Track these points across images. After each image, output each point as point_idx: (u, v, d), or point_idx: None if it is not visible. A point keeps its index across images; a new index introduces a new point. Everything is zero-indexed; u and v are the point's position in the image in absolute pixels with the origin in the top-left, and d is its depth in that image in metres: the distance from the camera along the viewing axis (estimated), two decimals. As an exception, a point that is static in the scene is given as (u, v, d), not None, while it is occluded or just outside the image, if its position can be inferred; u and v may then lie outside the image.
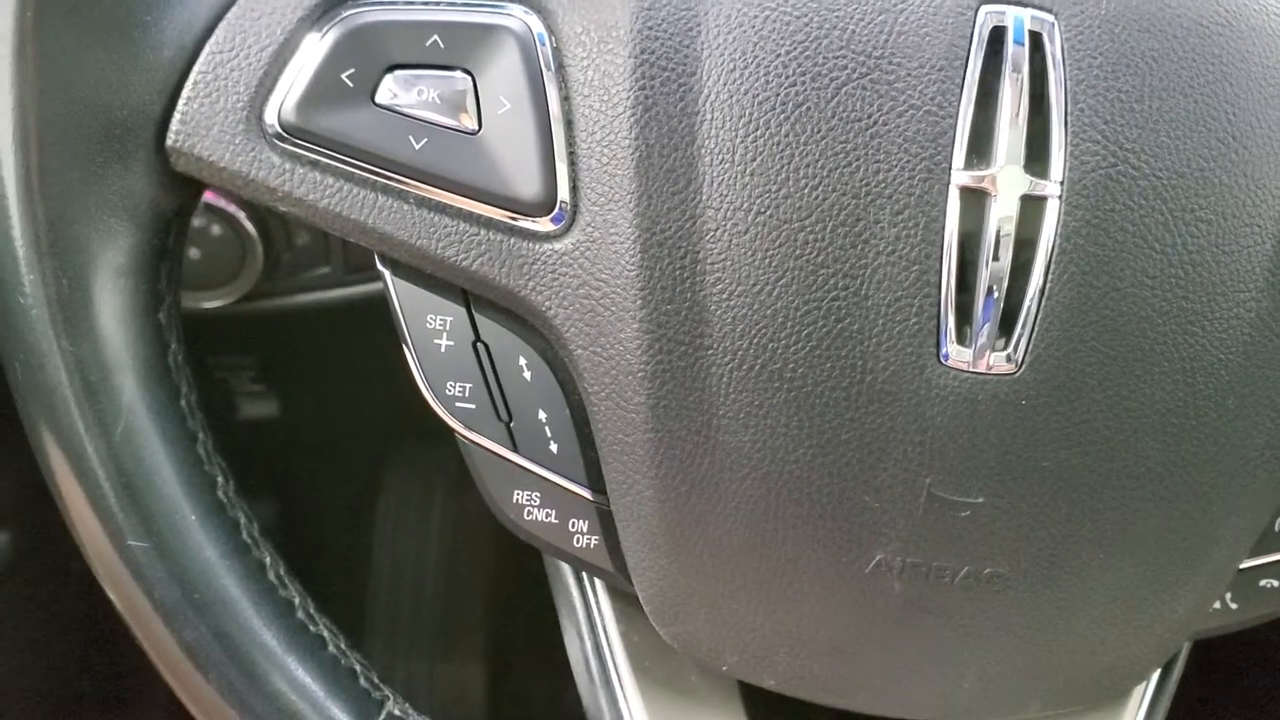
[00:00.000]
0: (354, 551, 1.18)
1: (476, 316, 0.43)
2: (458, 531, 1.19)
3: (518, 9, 0.41)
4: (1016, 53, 0.39)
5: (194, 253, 0.73)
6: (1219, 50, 0.40)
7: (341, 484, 1.17)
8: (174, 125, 0.41)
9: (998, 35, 0.39)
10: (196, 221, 0.72)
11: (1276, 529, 0.46)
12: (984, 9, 0.40)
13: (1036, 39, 0.39)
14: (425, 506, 1.19)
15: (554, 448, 0.44)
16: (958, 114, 0.39)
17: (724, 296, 0.40)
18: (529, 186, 0.41)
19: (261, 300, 0.79)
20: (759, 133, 0.40)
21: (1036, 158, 0.39)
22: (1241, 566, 0.46)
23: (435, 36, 0.41)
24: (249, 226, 0.74)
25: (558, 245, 0.41)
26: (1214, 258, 0.40)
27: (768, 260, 0.40)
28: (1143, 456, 0.41)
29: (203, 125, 0.41)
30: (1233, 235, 0.40)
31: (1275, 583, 0.47)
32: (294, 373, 1.03)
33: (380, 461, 1.18)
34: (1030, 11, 0.40)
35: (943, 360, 0.40)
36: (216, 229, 0.73)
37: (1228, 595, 0.47)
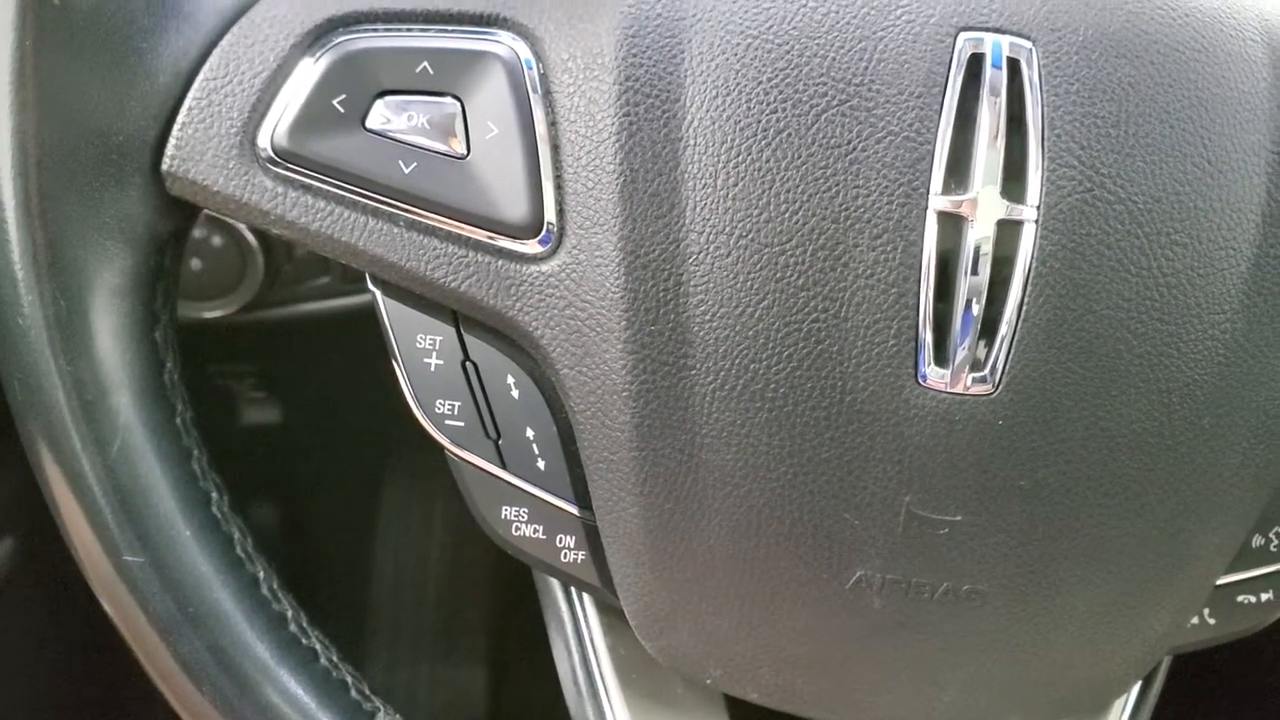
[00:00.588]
0: (355, 556, 1.19)
1: (465, 336, 0.44)
2: (458, 537, 1.20)
3: (506, 35, 0.42)
4: (994, 78, 0.40)
5: (195, 263, 0.74)
6: (1195, 76, 0.41)
7: (342, 489, 1.18)
8: (169, 150, 0.42)
9: (976, 62, 0.40)
10: (198, 232, 0.73)
11: (1253, 545, 0.46)
12: (963, 36, 0.40)
13: (1014, 65, 0.40)
14: (426, 512, 1.20)
15: (541, 465, 0.45)
16: (936, 139, 0.40)
17: (707, 318, 0.41)
18: (516, 209, 0.42)
19: (263, 309, 0.80)
20: (741, 158, 0.40)
21: (1013, 182, 0.40)
22: (1219, 583, 0.46)
23: (425, 63, 0.42)
24: (250, 238, 0.75)
25: (544, 267, 0.42)
26: (1190, 280, 0.41)
27: (749, 283, 0.41)
28: (1119, 476, 0.42)
29: (197, 150, 0.42)
30: (1208, 258, 0.41)
31: (1252, 598, 0.48)
32: (295, 380, 1.04)
33: (380, 467, 1.19)
34: (1009, 38, 0.40)
35: (920, 381, 0.41)
36: (218, 240, 0.74)
37: (1205, 610, 0.47)
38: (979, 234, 0.40)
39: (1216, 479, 0.43)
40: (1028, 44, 0.40)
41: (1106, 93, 0.40)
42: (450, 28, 0.42)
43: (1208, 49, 0.41)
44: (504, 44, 0.42)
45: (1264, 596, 0.48)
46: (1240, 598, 0.47)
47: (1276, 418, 0.43)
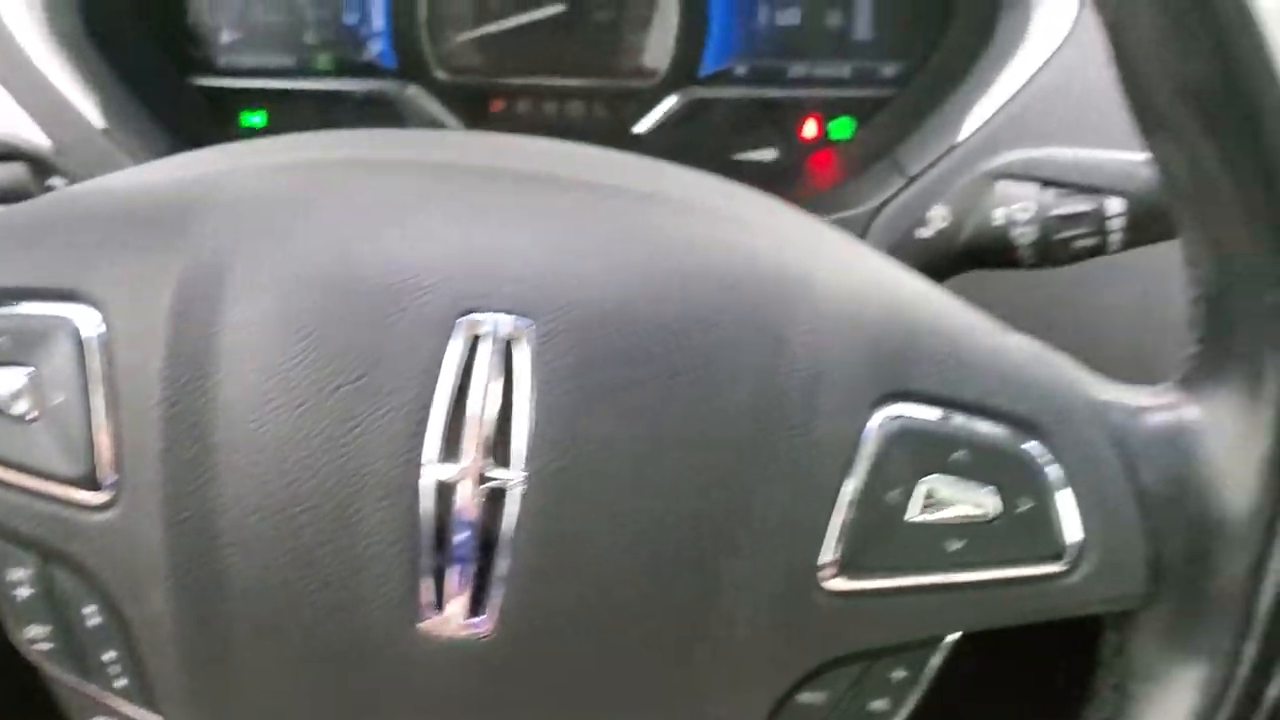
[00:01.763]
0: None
1: (50, 570, 0.49)
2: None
3: (78, 308, 0.47)
4: (490, 356, 0.45)
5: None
6: (696, 345, 0.45)
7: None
8: None
9: (477, 340, 0.45)
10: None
11: None
12: (467, 318, 0.45)
13: (512, 343, 0.45)
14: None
15: (123, 683, 0.50)
16: (429, 414, 0.45)
17: (239, 569, 0.46)
18: (79, 467, 0.47)
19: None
20: (265, 429, 0.45)
21: (502, 451, 0.45)
22: None
23: (1, 339, 0.47)
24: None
25: (105, 516, 0.47)
26: (675, 522, 0.46)
27: (274, 540, 0.46)
28: (617, 704, 0.47)
29: None
30: (700, 498, 0.46)
31: None
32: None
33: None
34: (510, 318, 0.45)
35: (422, 629, 0.46)
36: None
37: None
38: (468, 498, 0.45)
39: (715, 702, 0.48)
40: (526, 323, 0.45)
41: (597, 364, 0.45)
42: (26, 303, 0.47)
43: (714, 319, 0.46)
44: (75, 315, 0.47)
45: None
46: None
47: (772, 644, 0.48)
